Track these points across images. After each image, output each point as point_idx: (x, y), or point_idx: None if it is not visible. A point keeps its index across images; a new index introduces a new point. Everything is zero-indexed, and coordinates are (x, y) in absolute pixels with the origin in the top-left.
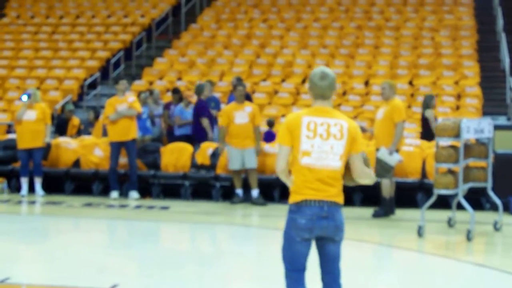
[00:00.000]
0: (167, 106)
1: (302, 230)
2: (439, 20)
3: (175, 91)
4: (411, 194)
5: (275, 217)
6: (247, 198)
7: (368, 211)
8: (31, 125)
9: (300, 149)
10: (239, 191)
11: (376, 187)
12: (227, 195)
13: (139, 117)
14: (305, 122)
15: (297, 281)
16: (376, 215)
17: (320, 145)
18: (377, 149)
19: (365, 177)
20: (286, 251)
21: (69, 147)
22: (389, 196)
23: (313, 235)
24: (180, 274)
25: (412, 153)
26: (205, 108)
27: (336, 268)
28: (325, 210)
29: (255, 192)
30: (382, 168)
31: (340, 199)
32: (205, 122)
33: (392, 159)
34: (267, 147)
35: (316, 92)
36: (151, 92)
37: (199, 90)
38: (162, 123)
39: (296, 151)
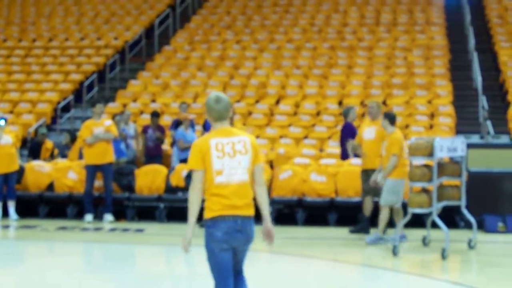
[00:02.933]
0: (144, 130)
1: (219, 242)
2: (412, 39)
3: (154, 114)
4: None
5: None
6: None
7: (343, 231)
8: (7, 149)
9: (213, 169)
10: None
11: (351, 207)
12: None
13: (114, 139)
14: (213, 144)
15: (229, 285)
16: (354, 232)
17: (229, 163)
18: (364, 170)
19: (263, 184)
20: (212, 262)
21: (42, 171)
22: (368, 214)
23: (229, 246)
24: None
25: None
26: (351, 131)
27: (242, 266)
28: (238, 224)
29: None
30: (373, 190)
31: (251, 211)
32: (348, 144)
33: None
34: None
35: (214, 115)
36: (122, 113)
37: (345, 113)
38: (135, 145)
39: (209, 171)
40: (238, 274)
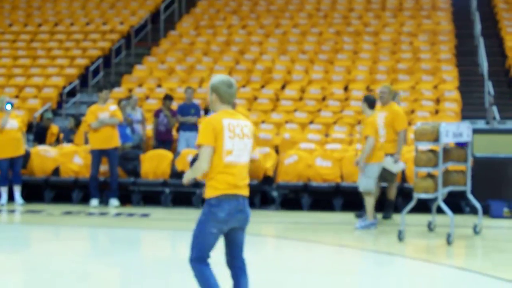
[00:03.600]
0: (156, 114)
1: (220, 222)
2: (418, 25)
3: (167, 98)
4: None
5: (255, 223)
6: None
7: (349, 216)
8: (13, 133)
9: (224, 148)
10: None
11: (357, 192)
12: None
13: (119, 124)
14: (226, 124)
15: (205, 264)
16: (359, 216)
17: (238, 144)
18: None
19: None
20: (200, 240)
21: (48, 155)
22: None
23: (228, 227)
24: (161, 281)
25: None
26: None
27: (243, 253)
28: (240, 203)
29: None
30: (381, 175)
31: (248, 191)
32: None
33: (397, 167)
34: None
35: (225, 98)
36: (128, 98)
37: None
38: (142, 130)
39: (219, 150)
40: (239, 259)
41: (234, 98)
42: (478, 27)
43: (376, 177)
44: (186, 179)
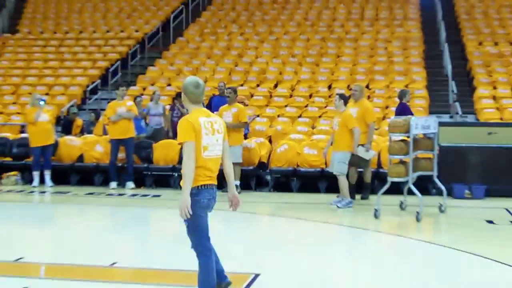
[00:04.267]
0: (172, 108)
1: (205, 207)
2: (391, 32)
3: (179, 95)
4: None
5: (251, 203)
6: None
7: (332, 196)
8: (45, 125)
9: (202, 144)
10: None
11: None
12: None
13: (135, 117)
14: (202, 122)
15: (208, 245)
16: (363, 198)
17: (211, 140)
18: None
19: (230, 158)
20: (196, 225)
21: (73, 144)
22: (354, 183)
23: (210, 210)
24: (171, 251)
25: None
26: (408, 110)
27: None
28: (214, 192)
29: (236, 183)
30: (356, 162)
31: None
32: None
33: (369, 154)
34: (245, 143)
35: (194, 98)
36: (153, 93)
37: (402, 95)
38: (164, 122)
39: (198, 146)
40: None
41: (202, 97)
42: (443, 34)
43: (347, 162)
44: (186, 189)
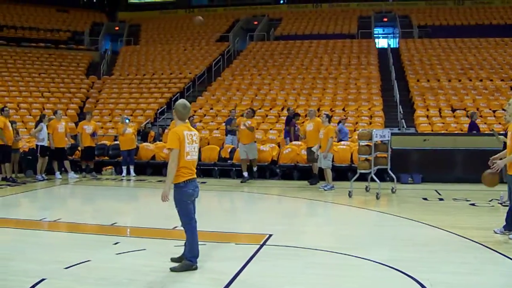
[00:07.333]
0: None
1: (191, 195)
2: (359, 73)
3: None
4: (344, 173)
5: (265, 187)
6: (250, 178)
7: (319, 183)
8: (130, 136)
9: (185, 150)
10: (245, 173)
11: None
12: (239, 175)
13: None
14: (186, 134)
15: (193, 223)
16: (311, 184)
17: (191, 147)
18: (308, 147)
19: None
20: (184, 210)
21: (149, 148)
22: (316, 172)
23: (194, 198)
24: (217, 219)
25: (345, 149)
26: (476, 127)
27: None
28: (196, 183)
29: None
30: (314, 159)
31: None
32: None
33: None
34: (261, 147)
35: (181, 116)
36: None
37: (472, 115)
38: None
39: (182, 152)
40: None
41: (188, 116)
42: (393, 74)
43: (331, 159)
44: (167, 182)
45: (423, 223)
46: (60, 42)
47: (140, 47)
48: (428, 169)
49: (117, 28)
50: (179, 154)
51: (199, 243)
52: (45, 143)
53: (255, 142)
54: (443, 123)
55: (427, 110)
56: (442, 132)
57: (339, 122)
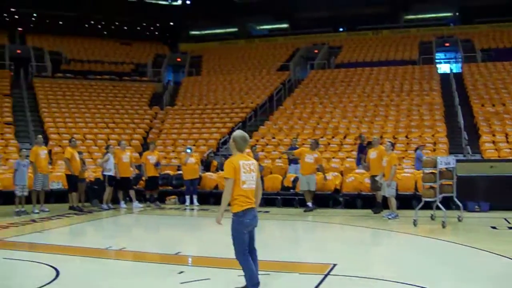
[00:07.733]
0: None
1: (247, 226)
2: (422, 99)
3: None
4: (408, 201)
5: (328, 216)
6: (314, 207)
7: (383, 212)
8: (193, 165)
9: (241, 179)
10: (309, 203)
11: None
12: (302, 204)
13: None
14: (241, 164)
15: (247, 255)
16: (375, 213)
17: (248, 177)
18: (372, 175)
19: (260, 189)
20: (239, 240)
21: (211, 178)
22: (381, 200)
23: (251, 228)
24: (279, 248)
25: (408, 177)
26: None
27: (255, 243)
28: (255, 212)
29: (310, 204)
30: (378, 187)
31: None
32: None
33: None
34: (327, 176)
35: (240, 148)
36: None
37: None
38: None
39: (238, 181)
40: (253, 248)
41: (245, 148)
42: (456, 99)
43: (394, 187)
44: (220, 209)
45: (493, 253)
46: (124, 74)
47: (201, 77)
48: (495, 196)
49: (179, 59)
50: (234, 183)
51: (262, 272)
52: (112, 173)
53: (314, 173)
54: (510, 148)
55: (493, 135)
56: (510, 158)
57: (417, 149)
